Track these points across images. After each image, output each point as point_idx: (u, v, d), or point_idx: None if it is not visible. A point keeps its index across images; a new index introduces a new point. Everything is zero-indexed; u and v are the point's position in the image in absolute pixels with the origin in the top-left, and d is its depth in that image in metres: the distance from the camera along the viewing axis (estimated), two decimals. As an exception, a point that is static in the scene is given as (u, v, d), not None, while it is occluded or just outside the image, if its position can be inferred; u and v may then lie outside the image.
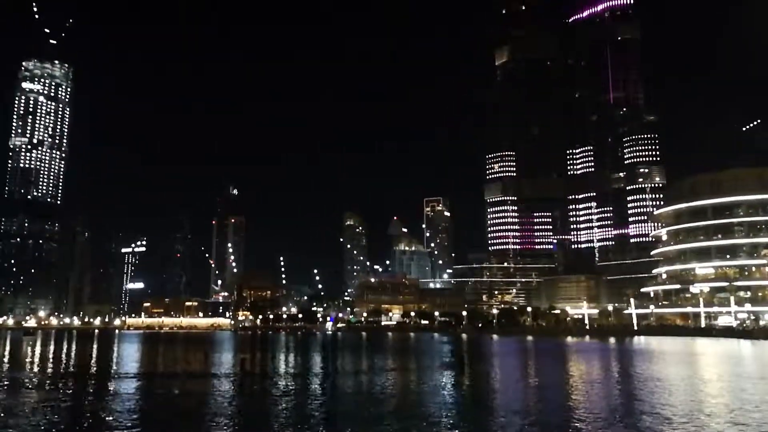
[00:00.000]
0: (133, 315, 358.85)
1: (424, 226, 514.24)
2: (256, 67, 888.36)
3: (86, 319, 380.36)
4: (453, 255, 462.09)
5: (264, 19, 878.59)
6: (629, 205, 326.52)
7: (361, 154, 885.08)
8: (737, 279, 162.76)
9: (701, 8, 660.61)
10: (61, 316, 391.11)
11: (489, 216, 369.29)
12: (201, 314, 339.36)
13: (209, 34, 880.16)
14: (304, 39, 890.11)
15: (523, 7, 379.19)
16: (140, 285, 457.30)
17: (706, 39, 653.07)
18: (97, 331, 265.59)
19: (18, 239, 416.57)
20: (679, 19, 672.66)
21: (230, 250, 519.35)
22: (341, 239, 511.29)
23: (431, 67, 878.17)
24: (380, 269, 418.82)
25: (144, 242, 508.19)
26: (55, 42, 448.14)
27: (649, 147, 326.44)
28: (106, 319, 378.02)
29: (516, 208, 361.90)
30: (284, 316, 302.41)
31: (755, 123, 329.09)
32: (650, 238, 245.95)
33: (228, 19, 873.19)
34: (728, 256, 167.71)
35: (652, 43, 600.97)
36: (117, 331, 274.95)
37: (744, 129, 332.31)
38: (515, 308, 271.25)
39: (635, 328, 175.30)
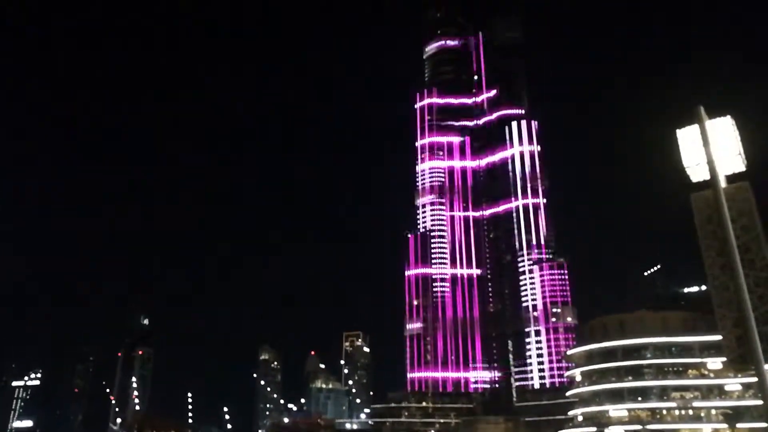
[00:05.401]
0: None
1: (342, 362, 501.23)
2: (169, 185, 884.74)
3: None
4: (371, 393, 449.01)
5: (169, 129, 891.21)
6: (545, 345, 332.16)
7: (277, 283, 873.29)
8: (650, 422, 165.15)
9: (610, 159, 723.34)
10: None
11: (408, 352, 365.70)
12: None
13: (129, 142, 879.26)
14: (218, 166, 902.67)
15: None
16: (29, 423, 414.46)
17: (608, 189, 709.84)
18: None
19: None
20: (584, 174, 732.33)
21: (134, 385, 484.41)
22: (254, 375, 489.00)
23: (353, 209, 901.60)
24: (295, 408, 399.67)
25: (39, 375, 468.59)
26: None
27: (561, 288, 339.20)
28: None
29: (436, 345, 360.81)
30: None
31: (656, 268, 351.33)
32: (565, 379, 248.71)
33: (136, 131, 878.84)
34: (640, 398, 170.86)
35: (558, 193, 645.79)
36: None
37: (645, 274, 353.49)
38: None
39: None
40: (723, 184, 22.77)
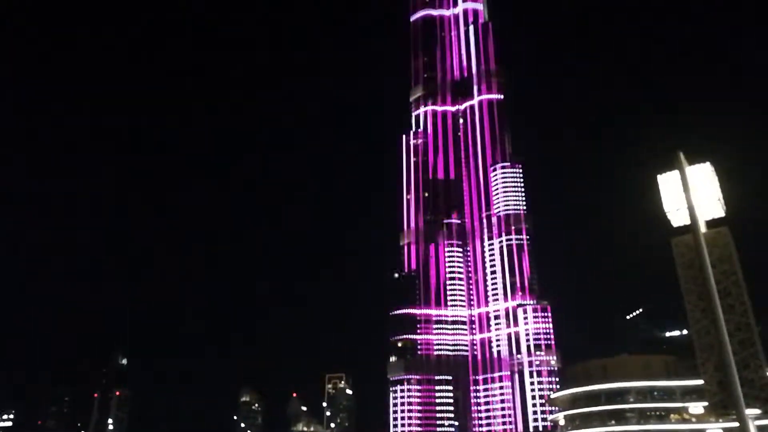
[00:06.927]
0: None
1: (324, 404, 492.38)
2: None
3: None
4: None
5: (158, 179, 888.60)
6: (528, 388, 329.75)
7: (259, 324, 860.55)
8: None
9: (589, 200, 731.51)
10: None
11: (391, 395, 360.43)
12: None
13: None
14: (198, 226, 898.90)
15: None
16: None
17: (592, 233, 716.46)
18: None
19: None
20: (567, 218, 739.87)
21: (111, 427, 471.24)
22: (235, 417, 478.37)
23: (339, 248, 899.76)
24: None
25: (12, 416, 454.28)
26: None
27: (545, 331, 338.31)
28: None
29: (419, 387, 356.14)
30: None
31: (638, 312, 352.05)
32: (549, 423, 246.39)
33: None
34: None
35: (542, 238, 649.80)
36: None
37: (628, 318, 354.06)
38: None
39: None
40: (703, 229, 23.16)
